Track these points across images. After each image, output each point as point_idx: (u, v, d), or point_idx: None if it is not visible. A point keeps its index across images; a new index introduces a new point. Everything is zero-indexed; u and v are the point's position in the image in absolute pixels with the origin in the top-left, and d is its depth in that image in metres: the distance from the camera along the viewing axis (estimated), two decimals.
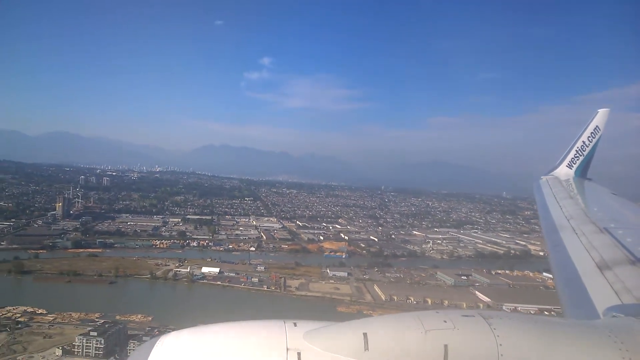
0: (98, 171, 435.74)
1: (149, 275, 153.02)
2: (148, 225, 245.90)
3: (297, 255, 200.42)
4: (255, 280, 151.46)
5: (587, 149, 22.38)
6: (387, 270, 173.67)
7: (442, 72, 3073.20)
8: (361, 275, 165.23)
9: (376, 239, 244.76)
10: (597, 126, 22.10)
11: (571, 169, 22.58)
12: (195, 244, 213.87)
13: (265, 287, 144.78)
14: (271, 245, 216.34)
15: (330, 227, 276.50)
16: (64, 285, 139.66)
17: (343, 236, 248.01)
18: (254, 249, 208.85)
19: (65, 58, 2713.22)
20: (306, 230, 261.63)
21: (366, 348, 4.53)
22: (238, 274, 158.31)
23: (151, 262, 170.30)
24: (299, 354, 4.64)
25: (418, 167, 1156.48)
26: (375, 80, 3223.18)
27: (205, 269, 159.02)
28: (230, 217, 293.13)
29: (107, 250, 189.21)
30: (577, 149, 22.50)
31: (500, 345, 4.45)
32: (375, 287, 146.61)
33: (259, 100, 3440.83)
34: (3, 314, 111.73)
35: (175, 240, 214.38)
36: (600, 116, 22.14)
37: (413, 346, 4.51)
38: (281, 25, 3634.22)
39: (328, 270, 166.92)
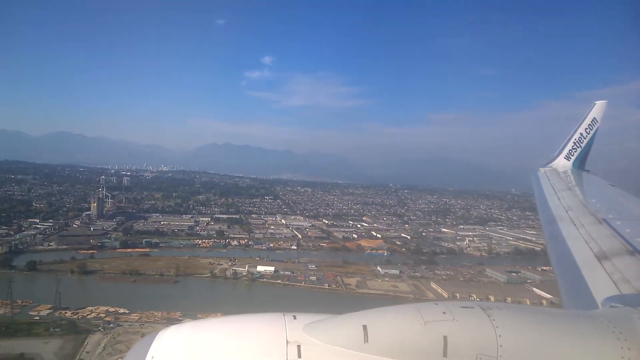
0: (112, 171, 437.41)
1: (208, 274, 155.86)
2: (182, 224, 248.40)
3: (338, 253, 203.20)
4: (314, 278, 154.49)
5: (585, 141, 22.61)
6: (435, 268, 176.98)
7: (442, 69, 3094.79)
8: (411, 273, 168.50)
9: (408, 237, 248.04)
10: (594, 118, 22.34)
11: (569, 160, 22.85)
12: (235, 242, 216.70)
13: (326, 286, 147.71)
14: (310, 244, 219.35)
15: (359, 225, 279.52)
16: (131, 284, 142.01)
17: (375, 234, 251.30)
18: (295, 247, 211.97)
19: (66, 58, 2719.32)
20: (336, 229, 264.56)
21: (366, 340, 4.63)
22: (293, 272, 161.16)
23: (204, 261, 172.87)
24: (298, 346, 4.74)
25: (419, 163, 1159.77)
26: (375, 77, 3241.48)
27: (260, 268, 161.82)
28: (256, 215, 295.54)
29: (155, 250, 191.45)
30: (575, 141, 22.80)
31: (500, 336, 4.53)
32: (433, 285, 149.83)
33: (260, 99, 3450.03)
34: (86, 315, 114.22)
35: (216, 240, 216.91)
36: (598, 108, 22.45)
37: (412, 338, 4.60)
38: (282, 24, 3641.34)
39: (379, 269, 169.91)
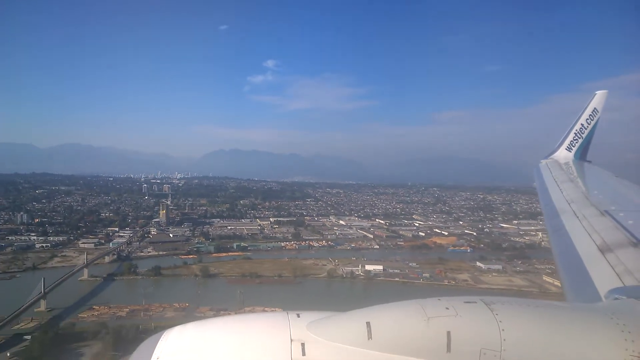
0: (142, 179, 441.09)
1: (323, 275, 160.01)
2: (248, 228, 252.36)
3: (421, 251, 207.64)
4: (427, 275, 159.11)
5: (586, 131, 22.41)
6: (529, 262, 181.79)
7: (447, 67, 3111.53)
8: (512, 267, 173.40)
9: (474, 233, 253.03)
10: (595, 108, 22.19)
11: (570, 151, 22.70)
12: (315, 244, 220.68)
13: (445, 282, 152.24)
14: (389, 243, 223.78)
15: (416, 224, 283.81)
16: (259, 286, 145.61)
17: (440, 232, 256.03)
18: (377, 247, 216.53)
19: (71, 68, 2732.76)
20: (398, 227, 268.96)
21: (369, 337, 4.70)
22: (401, 270, 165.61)
23: (306, 263, 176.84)
24: (302, 344, 4.81)
25: (427, 162, 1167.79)
26: (380, 78, 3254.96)
27: (368, 267, 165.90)
28: (309, 217, 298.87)
29: (247, 253, 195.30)
30: (576, 132, 22.58)
31: (503, 330, 4.58)
32: (545, 278, 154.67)
33: (265, 103, 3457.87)
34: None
35: (296, 242, 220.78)
36: (598, 98, 22.29)
37: (416, 333, 4.68)
38: (284, 27, 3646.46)
39: (480, 264, 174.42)
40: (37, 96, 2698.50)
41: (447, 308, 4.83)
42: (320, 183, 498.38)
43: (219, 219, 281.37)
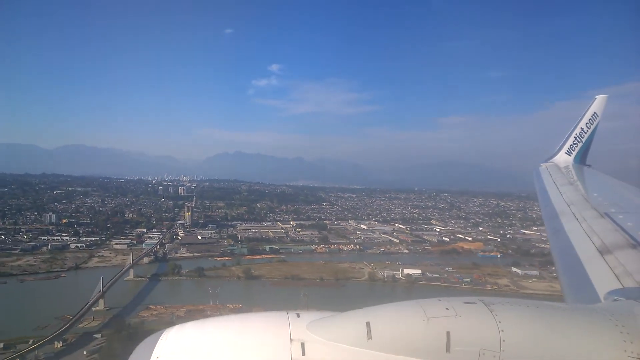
0: (154, 182, 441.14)
1: (364, 278, 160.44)
2: (274, 231, 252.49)
3: (451, 256, 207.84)
4: (467, 279, 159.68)
5: (586, 136, 22.47)
6: None
7: (451, 72, 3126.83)
8: (548, 273, 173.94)
9: (497, 239, 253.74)
10: (595, 112, 22.26)
11: (570, 155, 22.71)
12: (344, 247, 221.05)
13: (488, 287, 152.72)
14: (418, 248, 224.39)
15: (436, 229, 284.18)
16: (303, 289, 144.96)
17: (464, 237, 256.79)
18: (407, 251, 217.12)
19: (76, 71, 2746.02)
20: (419, 232, 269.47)
21: (369, 337, 4.72)
22: (439, 275, 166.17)
23: (342, 266, 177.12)
24: (302, 344, 4.85)
25: (429, 167, 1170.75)
26: (384, 83, 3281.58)
27: (407, 271, 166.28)
28: (329, 221, 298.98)
29: (281, 256, 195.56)
30: (576, 136, 22.62)
31: (502, 331, 4.61)
32: None
33: (269, 107, 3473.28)
34: None
35: (323, 245, 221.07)
36: (598, 102, 22.38)
37: (415, 334, 4.70)
38: (289, 32, 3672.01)
39: (517, 270, 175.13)
40: (41, 97, 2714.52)
41: (446, 308, 4.88)
42: (331, 187, 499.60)
43: (240, 222, 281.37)
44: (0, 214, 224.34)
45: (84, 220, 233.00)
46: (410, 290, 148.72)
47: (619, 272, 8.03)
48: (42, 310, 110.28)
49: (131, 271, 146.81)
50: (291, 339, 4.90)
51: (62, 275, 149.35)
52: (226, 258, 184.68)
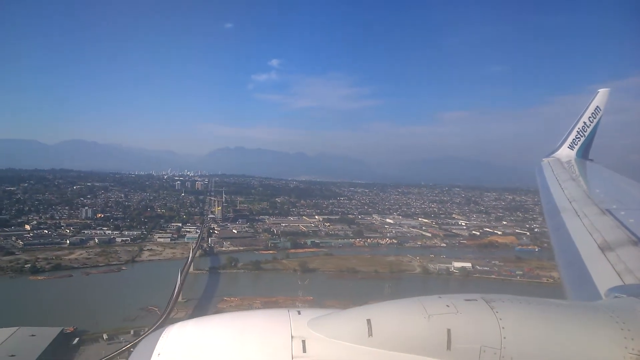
0: (166, 177, 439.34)
1: (418, 271, 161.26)
2: (305, 225, 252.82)
3: (488, 249, 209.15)
4: (520, 273, 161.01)
5: (589, 130, 22.36)
6: None
7: (452, 67, 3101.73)
8: None
9: (527, 233, 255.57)
10: (597, 106, 22.11)
11: (572, 150, 22.64)
12: (380, 241, 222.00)
13: (544, 280, 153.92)
14: (453, 242, 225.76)
15: (461, 223, 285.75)
16: (361, 281, 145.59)
17: (493, 231, 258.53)
18: (444, 245, 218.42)
19: (76, 66, 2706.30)
20: (446, 226, 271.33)
21: (370, 334, 4.73)
22: (490, 268, 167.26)
23: (388, 260, 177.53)
24: (303, 341, 4.85)
25: (430, 162, 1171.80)
26: (385, 77, 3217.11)
27: (457, 264, 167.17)
28: (352, 215, 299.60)
29: (323, 249, 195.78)
30: (579, 130, 22.52)
31: (503, 328, 4.62)
32: None
33: (270, 102, 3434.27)
34: None
35: (363, 239, 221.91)
36: (601, 96, 22.23)
37: (416, 331, 4.71)
38: (290, 26, 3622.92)
39: None
40: (41, 92, 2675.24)
41: (447, 306, 4.90)
42: (340, 182, 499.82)
43: (267, 216, 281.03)
44: (35, 209, 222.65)
45: (117, 214, 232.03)
46: (471, 283, 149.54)
47: (620, 269, 7.96)
48: (120, 302, 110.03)
49: (192, 264, 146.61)
50: (292, 336, 4.92)
51: (123, 268, 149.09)
52: (270, 252, 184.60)
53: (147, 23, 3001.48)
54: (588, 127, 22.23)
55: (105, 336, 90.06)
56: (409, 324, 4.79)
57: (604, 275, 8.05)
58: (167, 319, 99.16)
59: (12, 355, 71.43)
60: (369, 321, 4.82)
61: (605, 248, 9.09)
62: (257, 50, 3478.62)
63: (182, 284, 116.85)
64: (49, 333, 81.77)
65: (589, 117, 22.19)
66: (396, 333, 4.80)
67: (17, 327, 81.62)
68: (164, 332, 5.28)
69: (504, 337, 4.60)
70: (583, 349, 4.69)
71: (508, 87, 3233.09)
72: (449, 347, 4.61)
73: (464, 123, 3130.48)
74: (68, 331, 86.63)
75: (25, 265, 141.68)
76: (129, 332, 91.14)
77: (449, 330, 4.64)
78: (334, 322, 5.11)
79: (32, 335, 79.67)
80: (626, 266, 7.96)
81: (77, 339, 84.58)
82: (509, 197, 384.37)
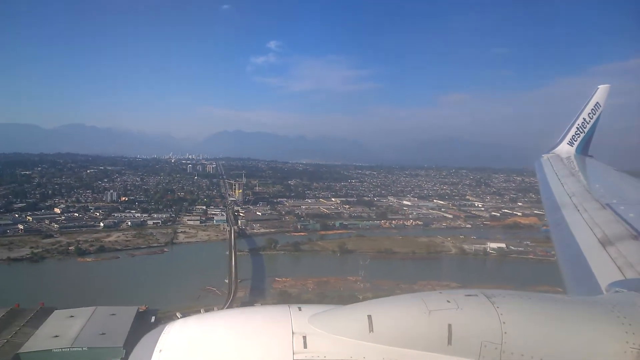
0: (173, 160, 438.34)
1: (454, 252, 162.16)
2: (326, 207, 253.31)
3: (514, 230, 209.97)
4: (554, 253, 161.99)
5: (588, 126, 22.39)
6: None
7: (453, 49, 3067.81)
8: None
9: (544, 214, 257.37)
10: (597, 102, 22.13)
11: (572, 146, 22.66)
12: (405, 222, 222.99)
13: None
14: (478, 222, 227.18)
15: (478, 204, 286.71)
16: (400, 261, 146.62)
17: (512, 212, 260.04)
18: (469, 226, 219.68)
19: (73, 50, 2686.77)
20: (465, 208, 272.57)
21: (371, 330, 4.77)
22: (525, 248, 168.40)
23: (423, 240, 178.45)
24: (304, 337, 4.87)
25: (432, 144, 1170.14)
26: (385, 59, 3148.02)
27: (492, 244, 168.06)
28: (367, 198, 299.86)
29: (352, 231, 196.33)
30: (578, 126, 22.57)
31: (504, 323, 4.65)
32: None
33: (268, 85, 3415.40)
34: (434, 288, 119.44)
35: (389, 221, 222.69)
36: (601, 92, 22.22)
37: (417, 327, 4.75)
38: (288, 7, 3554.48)
39: None
40: (40, 77, 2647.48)
41: (448, 301, 4.94)
42: (345, 165, 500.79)
43: (284, 199, 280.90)
44: (59, 193, 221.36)
45: (139, 197, 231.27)
46: (512, 263, 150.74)
47: (621, 263, 8.02)
48: (176, 283, 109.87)
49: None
50: (293, 332, 4.95)
51: (165, 250, 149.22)
52: (301, 233, 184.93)
53: (143, 5, 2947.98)
54: (588, 123, 22.28)
55: (178, 315, 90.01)
56: (410, 320, 4.83)
57: (604, 269, 8.05)
58: (233, 299, 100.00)
59: (103, 334, 71.42)
60: (369, 317, 4.84)
61: (605, 242, 9.14)
62: (255, 31, 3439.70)
63: (236, 264, 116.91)
64: (128, 312, 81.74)
65: (589, 113, 22.19)
66: (397, 329, 4.83)
67: (94, 307, 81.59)
68: (165, 329, 5.29)
69: (505, 332, 4.63)
70: (584, 344, 4.70)
71: (510, 69, 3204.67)
72: (449, 343, 4.64)
73: (466, 105, 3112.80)
74: (141, 310, 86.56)
75: (69, 248, 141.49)
76: (200, 312, 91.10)
77: (449, 326, 4.67)
78: (335, 318, 5.13)
79: (112, 315, 79.65)
80: (627, 260, 7.99)
81: (153, 317, 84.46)
82: (518, 178, 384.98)
